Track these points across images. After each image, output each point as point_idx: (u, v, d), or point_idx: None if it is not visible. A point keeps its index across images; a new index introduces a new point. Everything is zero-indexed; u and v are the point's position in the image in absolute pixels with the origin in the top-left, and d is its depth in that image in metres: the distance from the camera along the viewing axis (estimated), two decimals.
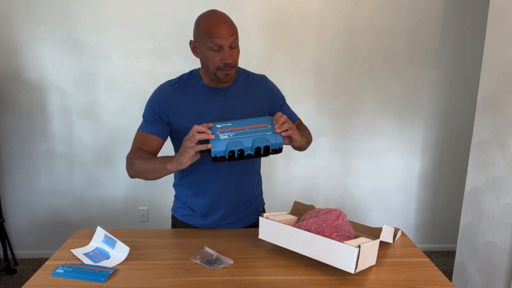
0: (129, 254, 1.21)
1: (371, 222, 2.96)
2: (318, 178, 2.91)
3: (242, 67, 1.43)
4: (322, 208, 1.28)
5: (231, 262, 1.18)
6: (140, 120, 1.38)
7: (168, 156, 1.25)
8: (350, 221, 1.27)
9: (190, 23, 1.36)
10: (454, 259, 2.25)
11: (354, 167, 2.91)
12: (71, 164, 2.79)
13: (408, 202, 3.00)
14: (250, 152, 1.17)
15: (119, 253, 1.22)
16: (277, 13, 2.63)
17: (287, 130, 1.20)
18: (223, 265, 1.16)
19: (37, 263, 2.84)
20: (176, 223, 1.52)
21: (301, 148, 1.38)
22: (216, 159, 1.17)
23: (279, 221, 1.21)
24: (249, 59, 2.60)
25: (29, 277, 1.17)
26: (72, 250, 1.25)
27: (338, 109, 2.80)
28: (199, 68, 1.38)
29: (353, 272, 1.04)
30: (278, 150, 1.21)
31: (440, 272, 1.15)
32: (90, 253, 1.24)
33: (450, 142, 2.91)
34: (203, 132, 1.13)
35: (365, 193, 2.96)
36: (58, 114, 2.71)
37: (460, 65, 2.77)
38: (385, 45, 2.72)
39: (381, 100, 2.80)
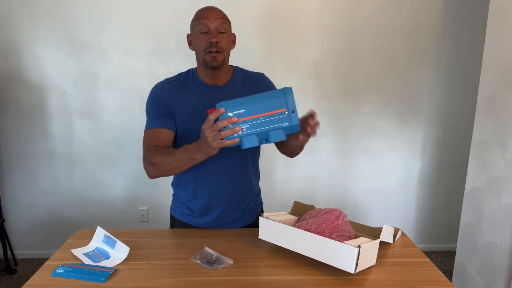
0: (129, 254, 1.21)
1: (371, 222, 2.96)
2: (318, 178, 2.91)
3: (242, 67, 1.44)
4: (322, 208, 1.28)
5: (231, 262, 1.18)
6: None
7: (189, 146, 1.19)
8: (350, 221, 1.27)
9: (190, 23, 1.36)
10: (454, 259, 2.25)
11: (354, 167, 2.91)
12: (71, 164, 2.79)
13: (408, 202, 3.00)
14: (263, 143, 1.14)
15: (119, 253, 1.22)
16: (277, 13, 2.64)
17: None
18: (223, 265, 1.16)
19: (37, 263, 2.84)
20: (174, 222, 1.52)
21: (295, 152, 1.37)
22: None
23: (279, 221, 1.21)
24: (249, 59, 2.61)
25: (29, 277, 1.17)
26: (72, 250, 1.25)
27: (338, 109, 2.80)
28: (196, 67, 1.39)
29: (353, 272, 1.04)
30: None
31: (440, 272, 1.15)
32: (90, 253, 1.24)
33: (450, 142, 2.91)
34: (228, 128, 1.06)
35: (365, 193, 2.96)
36: (58, 114, 2.71)
37: (460, 65, 2.77)
38: (385, 45, 2.72)
39: (381, 100, 2.80)
